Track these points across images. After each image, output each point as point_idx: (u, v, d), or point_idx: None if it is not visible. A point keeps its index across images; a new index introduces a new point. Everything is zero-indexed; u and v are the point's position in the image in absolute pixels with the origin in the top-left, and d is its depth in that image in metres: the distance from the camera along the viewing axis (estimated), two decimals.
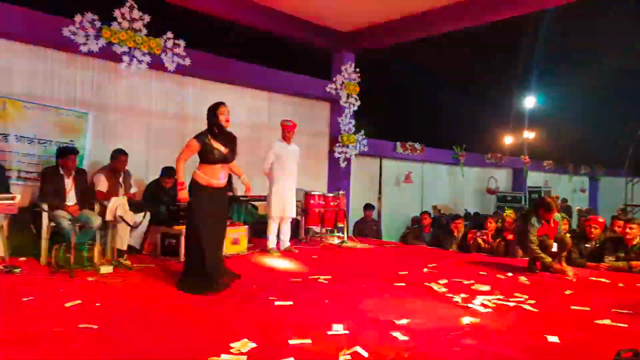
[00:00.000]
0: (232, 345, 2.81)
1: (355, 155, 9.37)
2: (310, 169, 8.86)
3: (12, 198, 4.38)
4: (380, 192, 11.18)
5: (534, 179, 16.49)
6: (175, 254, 5.26)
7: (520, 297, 4.17)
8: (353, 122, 9.32)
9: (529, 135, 16.73)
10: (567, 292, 4.52)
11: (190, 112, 7.25)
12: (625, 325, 3.47)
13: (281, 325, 3.24)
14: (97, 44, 5.81)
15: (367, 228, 8.73)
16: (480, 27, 8.15)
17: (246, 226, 6.19)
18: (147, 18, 6.14)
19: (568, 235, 5.39)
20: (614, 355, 2.52)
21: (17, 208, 4.48)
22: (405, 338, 3.05)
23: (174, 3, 6.83)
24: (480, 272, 5.28)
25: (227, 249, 5.70)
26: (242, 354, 2.70)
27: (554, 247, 5.25)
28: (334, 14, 8.11)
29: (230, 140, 4.42)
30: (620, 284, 4.87)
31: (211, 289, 3.99)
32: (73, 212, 5.00)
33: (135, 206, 5.29)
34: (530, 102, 16.75)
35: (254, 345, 2.82)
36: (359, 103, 9.31)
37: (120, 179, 5.68)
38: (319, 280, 4.67)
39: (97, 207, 5.29)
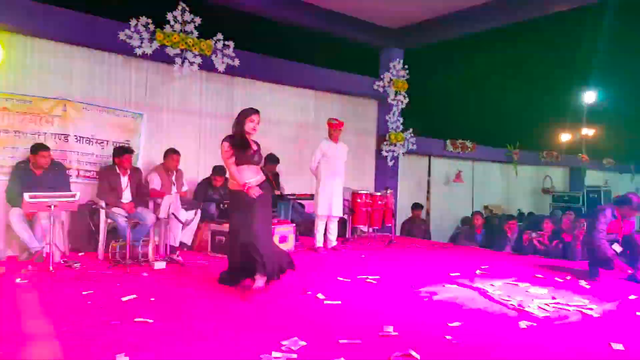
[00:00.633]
0: (283, 343, 2.81)
1: (403, 153, 9.22)
2: (357, 168, 8.79)
3: (73, 196, 4.58)
4: (428, 192, 10.95)
5: (593, 178, 15.64)
6: (225, 250, 5.33)
7: (581, 302, 3.99)
8: (401, 120, 9.17)
9: (588, 132, 15.93)
10: (632, 297, 4.28)
11: (239, 111, 7.32)
12: None
13: (330, 325, 3.21)
14: (150, 46, 6.00)
15: (415, 228, 8.58)
16: (535, 19, 7.82)
17: (293, 224, 6.20)
18: (198, 20, 6.28)
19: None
20: None
21: (77, 205, 4.68)
22: (459, 341, 2.96)
23: (224, 4, 6.95)
24: (537, 275, 5.08)
25: None
26: (292, 351, 2.70)
27: (617, 248, 4.94)
28: (383, 10, 8.01)
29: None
30: None
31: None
32: (128, 210, 5.18)
33: (186, 204, 5.42)
34: (590, 97, 15.93)
35: (304, 343, 2.81)
36: (407, 100, 9.15)
37: (173, 178, 5.84)
38: (368, 280, 4.61)
39: (151, 204, 5.46)
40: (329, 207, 6.11)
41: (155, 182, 5.68)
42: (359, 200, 6.90)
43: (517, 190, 13.63)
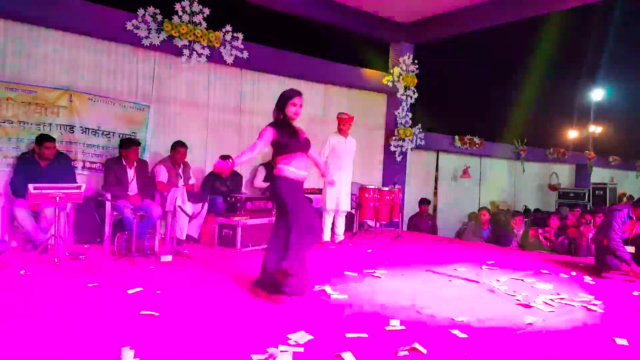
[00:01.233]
0: (289, 336, 2.79)
1: (411, 149, 9.14)
2: (365, 163, 8.73)
3: (78, 187, 4.55)
4: (436, 187, 10.88)
5: (599, 175, 15.58)
6: (232, 244, 5.31)
7: (585, 298, 3.99)
8: (410, 115, 9.09)
9: (596, 129, 15.83)
10: (635, 293, 4.29)
11: (247, 105, 7.32)
12: None
13: (337, 319, 3.20)
14: (158, 37, 5.96)
15: (422, 223, 8.51)
16: (544, 15, 7.73)
17: None
18: (206, 11, 6.22)
19: None
20: None
21: (82, 197, 4.65)
22: (465, 336, 2.95)
23: None
24: (542, 270, 5.08)
25: None
26: (299, 345, 2.68)
27: (630, 249, 4.87)
28: (393, 4, 7.93)
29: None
30: None
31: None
32: (135, 202, 5.15)
33: (193, 197, 5.38)
34: (597, 94, 15.84)
35: (310, 337, 2.79)
36: (416, 95, 9.07)
37: (180, 170, 5.80)
38: (374, 274, 4.57)
39: (157, 197, 5.43)
40: (337, 201, 6.06)
41: (161, 175, 5.65)
42: (366, 195, 6.85)
43: (524, 186, 13.56)
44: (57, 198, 4.31)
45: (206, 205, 5.51)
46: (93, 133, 5.81)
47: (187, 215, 5.13)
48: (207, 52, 6.31)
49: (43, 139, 4.96)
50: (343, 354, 2.56)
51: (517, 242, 6.94)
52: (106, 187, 5.23)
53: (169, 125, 6.53)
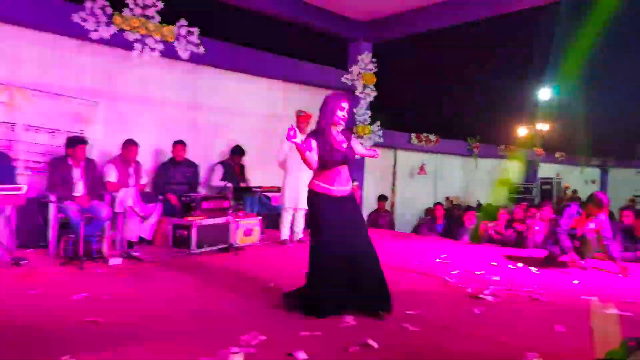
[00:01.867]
0: (241, 338, 2.72)
1: (370, 146, 9.18)
2: None
3: (19, 189, 4.30)
4: (394, 184, 11.01)
5: (546, 170, 16.32)
6: (187, 245, 5.16)
7: (530, 288, 4.18)
8: (369, 113, 9.13)
9: (543, 127, 16.50)
10: (575, 282, 4.55)
11: (204, 102, 7.14)
12: (631, 314, 3.43)
13: (292, 318, 3.16)
14: (108, 31, 5.71)
15: (381, 219, 8.58)
16: (497, 16, 7.94)
17: (259, 217, 6.07)
18: (160, 5, 6.03)
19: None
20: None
21: (24, 199, 4.40)
22: (416, 329, 3.00)
23: None
24: (492, 263, 5.28)
25: (240, 239, 5.63)
26: (251, 346, 2.63)
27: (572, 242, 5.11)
28: (353, 3, 7.94)
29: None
30: (628, 274, 4.85)
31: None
32: (82, 203, 4.92)
33: (146, 197, 5.20)
34: (545, 93, 16.51)
35: (263, 338, 2.74)
36: (375, 94, 9.12)
37: (131, 170, 5.60)
38: None
39: (107, 198, 5.20)
40: (296, 199, 6.00)
41: (111, 175, 5.44)
42: None
43: (477, 182, 13.94)
44: None
45: (160, 205, 5.34)
46: (36, 131, 5.52)
47: (139, 216, 4.96)
48: (160, 46, 6.11)
49: None
50: (296, 353, 2.53)
51: (469, 236, 7.11)
52: (50, 188, 4.96)
53: (120, 122, 6.27)
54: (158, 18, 6.05)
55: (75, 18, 5.54)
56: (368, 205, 9.25)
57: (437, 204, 8.50)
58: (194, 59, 6.60)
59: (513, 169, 15.01)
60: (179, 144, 6.30)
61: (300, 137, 3.30)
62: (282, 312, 3.27)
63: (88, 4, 5.60)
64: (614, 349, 2.17)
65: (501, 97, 15.87)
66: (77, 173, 5.09)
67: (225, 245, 5.34)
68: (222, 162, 6.87)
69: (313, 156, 3.34)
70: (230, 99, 7.48)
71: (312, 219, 3.43)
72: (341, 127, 3.46)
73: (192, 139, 6.67)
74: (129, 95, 6.40)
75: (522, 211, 7.07)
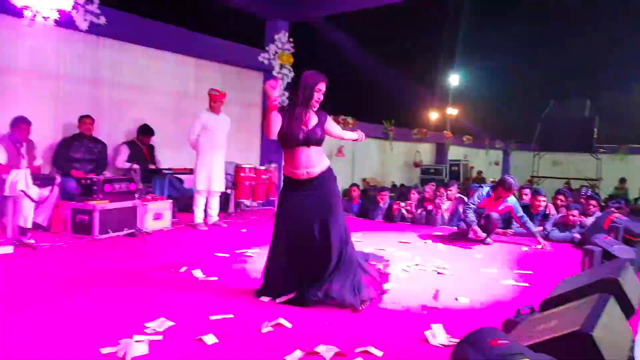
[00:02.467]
0: (147, 325, 2.59)
1: None
2: (241, 141, 8.52)
3: None
4: None
5: (455, 152, 17.29)
6: (88, 231, 4.81)
7: (438, 263, 4.38)
8: (286, 94, 9.02)
9: (452, 111, 17.44)
10: (478, 256, 4.83)
11: (106, 76, 6.64)
12: (527, 285, 3.76)
13: (204, 302, 3.06)
14: None
15: None
16: (412, 3, 8.13)
17: (170, 200, 5.80)
18: None
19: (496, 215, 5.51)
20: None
21: None
22: (330, 308, 3.00)
23: None
24: (402, 240, 5.48)
25: (149, 224, 5.35)
26: (157, 333, 2.51)
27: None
28: None
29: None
30: (524, 248, 5.27)
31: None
32: None
33: (40, 179, 4.76)
34: (454, 80, 17.42)
35: (171, 323, 2.63)
36: (292, 74, 9.01)
37: (23, 150, 5.09)
38: (246, 254, 4.47)
39: None
40: (209, 181, 5.81)
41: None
42: (242, 175, 6.69)
43: (392, 164, 14.46)
44: None
45: (56, 188, 4.91)
46: None
47: (33, 200, 4.52)
48: (55, 15, 5.55)
49: None
50: (204, 337, 2.45)
51: (382, 215, 7.33)
52: None
53: (9, 98, 5.66)
54: None
55: None
56: None
57: (353, 185, 8.67)
58: (95, 30, 6.09)
59: (424, 151, 15.77)
60: (87, 117, 5.88)
61: (278, 92, 3.16)
62: (192, 297, 3.15)
63: None
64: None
65: (416, 82, 16.47)
66: None
67: (131, 231, 5.04)
68: (128, 143, 6.47)
69: (275, 125, 3.16)
70: (137, 75, 7.02)
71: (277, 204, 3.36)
72: (315, 108, 3.30)
73: (94, 117, 6.18)
74: (20, 67, 5.78)
75: (431, 191, 7.39)
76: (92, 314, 2.77)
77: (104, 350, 2.27)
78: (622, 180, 14.64)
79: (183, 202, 6.45)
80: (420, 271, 4.11)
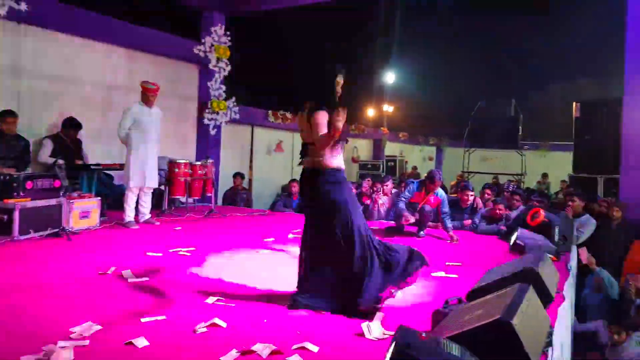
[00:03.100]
0: (72, 330, 2.46)
1: (226, 122, 8.96)
2: (176, 136, 8.29)
3: None
4: (251, 161, 10.96)
5: (391, 148, 17.79)
6: (7, 231, 4.48)
7: None
8: (224, 87, 8.87)
9: (389, 108, 17.92)
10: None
11: (29, 67, 6.22)
12: (456, 276, 3.92)
13: (134, 304, 2.95)
14: None
15: (237, 197, 8.47)
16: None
17: (98, 198, 5.52)
18: None
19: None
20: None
21: None
22: (269, 304, 3.01)
23: None
24: None
25: (76, 223, 5.07)
26: (84, 338, 2.39)
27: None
28: None
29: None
30: (456, 240, 5.43)
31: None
32: None
33: None
34: (390, 77, 17.90)
35: (99, 327, 2.51)
36: (229, 68, 8.87)
37: None
38: (180, 253, 4.35)
39: None
40: (142, 177, 5.59)
41: None
42: (176, 170, 6.49)
43: None
44: None
45: None
46: None
47: None
48: None
49: None
50: (135, 341, 2.36)
51: None
52: None
53: None
54: None
55: None
56: (225, 183, 9.07)
57: (292, 180, 8.64)
58: (15, 16, 5.68)
59: (362, 147, 16.08)
60: (9, 116, 5.46)
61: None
62: (122, 299, 3.02)
63: None
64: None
65: (354, 78, 16.71)
66: None
67: (56, 230, 4.76)
68: (51, 136, 6.09)
69: None
70: (63, 65, 6.63)
71: (344, 202, 3.06)
72: None
73: (14, 110, 5.77)
74: None
75: (368, 186, 7.54)
76: (11, 320, 2.59)
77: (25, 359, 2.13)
78: (544, 175, 15.63)
79: (113, 200, 6.18)
80: None
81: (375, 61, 17.23)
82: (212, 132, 8.78)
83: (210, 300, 3.03)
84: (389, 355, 1.52)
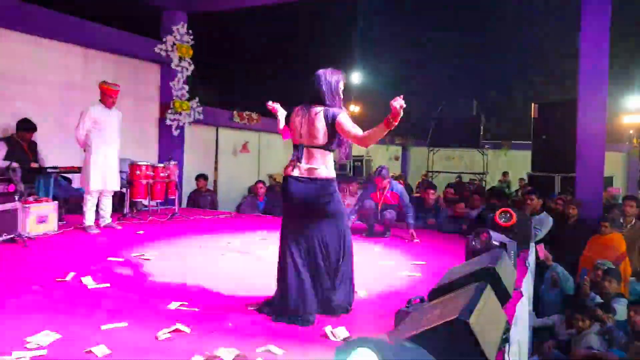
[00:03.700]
0: (28, 339, 2.38)
1: (189, 123, 8.83)
2: (138, 137, 8.12)
3: None
4: (216, 162, 10.84)
5: (358, 148, 17.83)
6: None
7: None
8: (187, 87, 8.73)
9: (355, 108, 18.10)
10: (376, 249, 5.04)
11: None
12: (420, 275, 3.97)
13: (94, 311, 2.87)
14: None
15: (202, 199, 8.35)
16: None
17: (55, 202, 5.35)
18: None
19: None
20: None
21: None
22: (234, 307, 2.99)
23: None
24: None
25: (32, 228, 4.90)
26: (41, 348, 2.32)
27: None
28: None
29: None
30: (417, 240, 5.49)
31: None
32: None
33: None
34: (355, 77, 18.08)
35: (58, 336, 2.45)
36: (192, 67, 8.74)
37: None
38: (143, 257, 4.26)
39: None
40: (102, 180, 5.45)
41: None
42: (138, 173, 6.35)
43: None
44: None
45: None
46: None
47: None
48: None
49: None
50: (95, 349, 2.31)
51: None
52: None
53: None
54: None
55: None
56: (190, 185, 8.94)
57: (259, 181, 8.60)
58: None
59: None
60: None
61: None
62: (81, 306, 2.94)
63: None
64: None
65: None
66: None
67: (11, 236, 4.58)
68: (5, 139, 5.85)
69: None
70: (15, 64, 6.40)
71: (342, 213, 3.05)
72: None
73: None
74: None
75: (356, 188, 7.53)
76: None
77: None
78: (505, 174, 16.09)
79: (72, 203, 5.99)
80: None
81: (340, 61, 17.36)
82: (175, 133, 8.64)
83: (174, 305, 2.98)
84: None
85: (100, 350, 2.31)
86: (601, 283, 4.69)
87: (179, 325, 2.61)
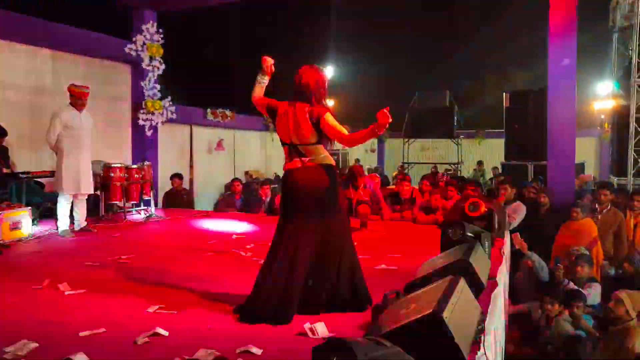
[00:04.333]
0: (5, 350, 2.35)
1: (162, 122, 8.72)
2: (110, 139, 8.00)
3: None
4: (191, 161, 10.75)
5: (335, 143, 17.89)
6: None
7: None
8: (158, 87, 8.62)
9: (330, 102, 18.14)
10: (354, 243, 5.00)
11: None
12: (396, 268, 4.02)
13: (71, 318, 2.84)
14: None
15: (178, 198, 8.26)
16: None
17: (29, 207, 5.25)
18: None
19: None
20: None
21: None
22: (212, 309, 2.99)
23: None
24: None
25: (5, 235, 4.80)
26: (18, 357, 2.30)
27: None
28: None
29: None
30: (394, 232, 5.57)
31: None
32: None
33: None
34: (329, 71, 18.12)
35: (35, 344, 2.42)
36: (163, 67, 8.64)
37: None
38: (120, 260, 4.22)
39: None
40: (75, 184, 5.38)
41: None
42: (112, 175, 6.28)
43: (274, 155, 14.56)
44: None
45: None
46: None
47: None
48: None
49: None
50: (74, 357, 2.29)
51: (264, 209, 7.32)
52: None
53: None
54: None
55: None
56: (165, 186, 8.85)
57: (235, 179, 8.56)
58: None
59: None
60: None
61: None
62: (58, 313, 2.91)
63: None
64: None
65: (291, 72, 16.71)
66: None
67: None
68: None
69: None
70: None
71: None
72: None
73: None
74: None
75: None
76: None
77: None
78: (480, 163, 16.30)
79: (45, 208, 5.89)
80: None
81: (314, 55, 17.34)
82: (148, 133, 8.54)
83: (152, 309, 2.97)
84: None
85: (79, 357, 2.29)
86: (573, 268, 4.84)
87: (157, 329, 2.60)
